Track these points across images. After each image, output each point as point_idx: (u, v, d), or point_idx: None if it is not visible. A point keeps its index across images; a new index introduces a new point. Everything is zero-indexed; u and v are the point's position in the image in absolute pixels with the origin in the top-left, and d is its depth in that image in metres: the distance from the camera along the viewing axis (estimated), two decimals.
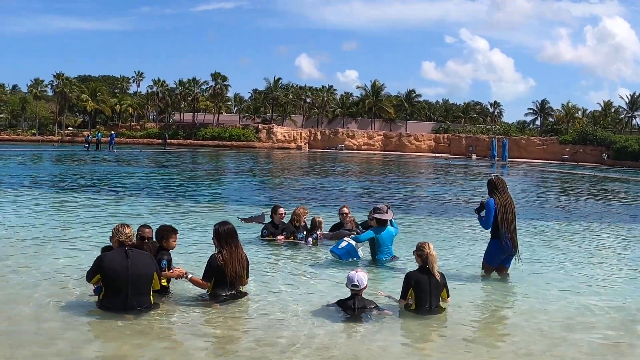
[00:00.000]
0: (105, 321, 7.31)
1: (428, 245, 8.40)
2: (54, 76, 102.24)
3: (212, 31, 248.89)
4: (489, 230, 10.50)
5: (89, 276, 7.73)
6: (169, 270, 8.45)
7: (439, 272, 8.37)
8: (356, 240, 11.33)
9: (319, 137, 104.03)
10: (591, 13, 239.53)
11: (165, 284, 8.43)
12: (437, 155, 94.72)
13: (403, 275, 8.97)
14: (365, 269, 10.08)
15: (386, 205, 11.48)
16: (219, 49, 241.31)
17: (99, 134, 74.92)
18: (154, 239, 8.74)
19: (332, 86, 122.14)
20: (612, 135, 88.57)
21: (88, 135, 75.45)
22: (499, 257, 10.47)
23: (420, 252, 8.35)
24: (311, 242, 12.67)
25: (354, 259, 11.26)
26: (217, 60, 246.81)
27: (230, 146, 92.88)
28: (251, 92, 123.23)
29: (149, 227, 8.78)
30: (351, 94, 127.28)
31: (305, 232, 12.90)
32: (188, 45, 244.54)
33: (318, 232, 12.87)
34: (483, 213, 10.38)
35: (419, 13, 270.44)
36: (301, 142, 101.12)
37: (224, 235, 8.50)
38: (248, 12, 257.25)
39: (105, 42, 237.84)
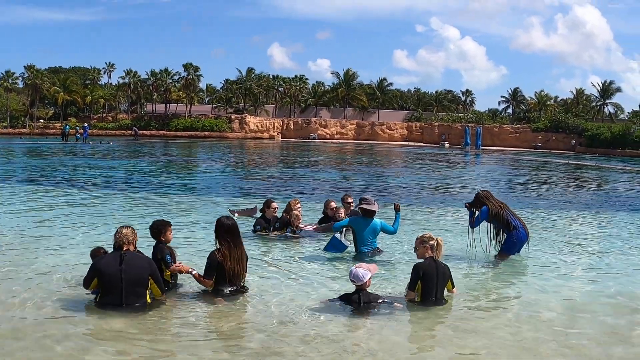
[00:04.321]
0: (109, 320, 7.18)
1: (431, 235, 8.48)
2: (25, 68, 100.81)
3: (185, 22, 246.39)
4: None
5: (86, 282, 7.65)
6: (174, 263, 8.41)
7: (444, 263, 8.42)
8: (333, 228, 11.38)
9: (292, 127, 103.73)
10: (561, 1, 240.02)
11: (169, 279, 8.35)
12: (411, 144, 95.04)
13: (388, 268, 9.09)
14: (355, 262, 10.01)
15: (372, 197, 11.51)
16: (191, 39, 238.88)
17: (67, 126, 74.02)
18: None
19: (303, 75, 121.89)
20: (584, 123, 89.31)
21: (76, 127, 73.74)
22: (517, 247, 11.32)
23: (431, 243, 8.38)
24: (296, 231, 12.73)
25: (341, 251, 11.25)
26: (189, 51, 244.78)
27: (202, 137, 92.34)
28: (223, 82, 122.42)
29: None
30: (323, 83, 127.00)
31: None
32: (160, 36, 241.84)
33: (301, 225, 12.95)
34: (477, 214, 11.42)
35: (389, 2, 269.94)
36: (274, 132, 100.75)
37: (223, 230, 8.41)
38: (220, 2, 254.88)
39: (76, 33, 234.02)
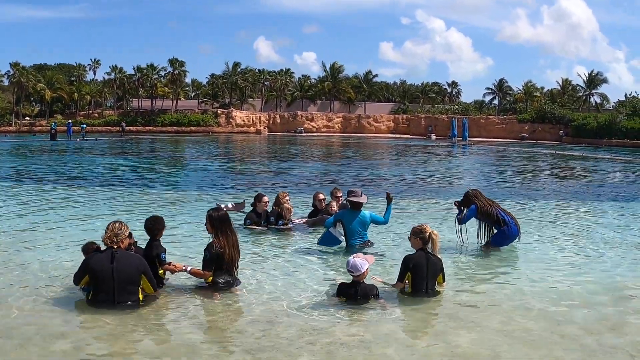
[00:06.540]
0: (102, 317, 7.12)
1: (427, 226, 8.49)
2: (11, 65, 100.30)
3: (170, 17, 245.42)
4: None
5: (77, 278, 7.58)
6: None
7: (436, 256, 8.42)
8: (325, 226, 11.38)
9: (278, 121, 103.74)
10: None
11: (163, 276, 8.32)
12: (398, 136, 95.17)
13: (379, 260, 9.17)
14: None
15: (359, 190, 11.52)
16: (177, 35, 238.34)
17: (54, 123, 73.84)
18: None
19: (289, 69, 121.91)
20: (571, 113, 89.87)
21: (83, 124, 73.88)
22: (507, 241, 11.33)
23: (422, 235, 8.38)
24: (290, 224, 12.77)
25: (335, 244, 11.24)
26: (175, 47, 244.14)
27: (189, 132, 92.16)
28: (209, 76, 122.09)
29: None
30: (309, 76, 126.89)
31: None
32: (145, 32, 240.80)
33: (292, 219, 12.98)
34: (465, 212, 11.45)
35: None
36: (260, 126, 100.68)
37: (218, 221, 8.38)
38: None
39: (60, 30, 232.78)
